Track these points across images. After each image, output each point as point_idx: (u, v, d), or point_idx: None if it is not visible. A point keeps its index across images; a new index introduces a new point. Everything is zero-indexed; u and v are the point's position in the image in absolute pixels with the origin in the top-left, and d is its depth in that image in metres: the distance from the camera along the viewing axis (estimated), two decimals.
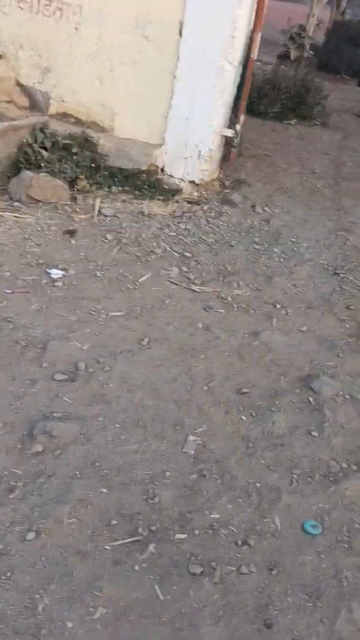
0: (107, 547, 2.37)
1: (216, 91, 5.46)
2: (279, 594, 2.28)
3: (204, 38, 5.25)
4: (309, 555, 2.46)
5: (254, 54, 5.76)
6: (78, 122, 5.99)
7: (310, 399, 3.37)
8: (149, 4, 5.33)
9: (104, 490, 2.61)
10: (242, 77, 5.83)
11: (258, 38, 5.69)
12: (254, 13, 5.62)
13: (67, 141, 5.65)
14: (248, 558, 2.41)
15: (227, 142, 6.11)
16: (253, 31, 5.64)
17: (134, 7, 5.38)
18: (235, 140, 6.04)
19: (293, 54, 9.27)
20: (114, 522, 2.47)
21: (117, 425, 2.97)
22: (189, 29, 5.29)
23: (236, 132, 5.92)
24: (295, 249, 5.20)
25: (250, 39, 5.66)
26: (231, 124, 5.90)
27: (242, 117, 6.01)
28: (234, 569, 2.36)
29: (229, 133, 5.85)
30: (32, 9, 5.65)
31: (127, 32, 5.51)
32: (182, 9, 5.25)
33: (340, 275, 4.85)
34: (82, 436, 2.87)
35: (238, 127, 5.93)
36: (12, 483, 2.56)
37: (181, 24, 5.30)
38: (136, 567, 2.31)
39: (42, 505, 2.49)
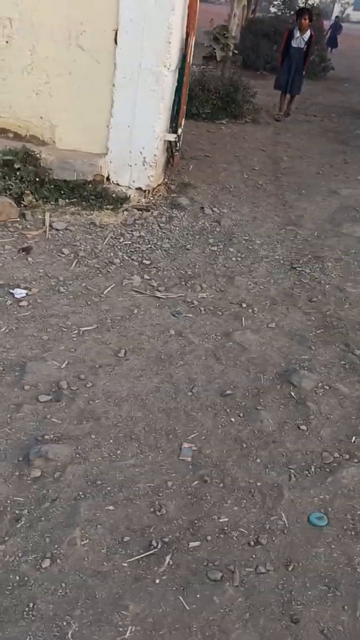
0: (125, 564, 2.36)
1: (156, 97, 5.48)
2: (299, 589, 2.34)
3: (140, 45, 5.27)
4: (320, 546, 2.53)
5: (190, 58, 5.82)
6: (17, 136, 5.90)
7: (292, 394, 3.45)
8: (82, 15, 5.31)
9: (110, 507, 2.60)
10: (180, 81, 5.88)
11: (192, 42, 5.75)
12: (186, 18, 5.67)
13: (9, 157, 5.55)
14: (263, 557, 2.45)
15: (170, 146, 6.15)
16: (187, 36, 5.69)
17: (66, 18, 5.34)
18: (178, 144, 6.08)
19: (219, 55, 9.40)
20: (126, 538, 2.47)
21: (111, 441, 2.96)
22: (124, 37, 5.29)
23: (178, 136, 5.97)
24: (250, 247, 5.29)
25: (185, 44, 5.71)
26: (172, 128, 5.95)
27: (183, 121, 6.06)
28: (251, 569, 2.39)
29: (172, 138, 5.89)
30: None
31: (61, 44, 5.46)
32: (115, 17, 5.25)
33: (297, 269, 4.98)
34: (78, 456, 2.84)
35: (180, 131, 5.98)
36: (17, 512, 2.52)
37: (116, 32, 5.29)
38: (157, 581, 2.31)
39: (52, 530, 2.46)
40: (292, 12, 17.71)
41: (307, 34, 9.99)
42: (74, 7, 5.29)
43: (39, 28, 5.43)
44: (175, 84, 5.85)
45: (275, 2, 20.65)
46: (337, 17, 29.86)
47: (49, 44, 5.48)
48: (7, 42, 5.56)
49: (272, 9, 22.50)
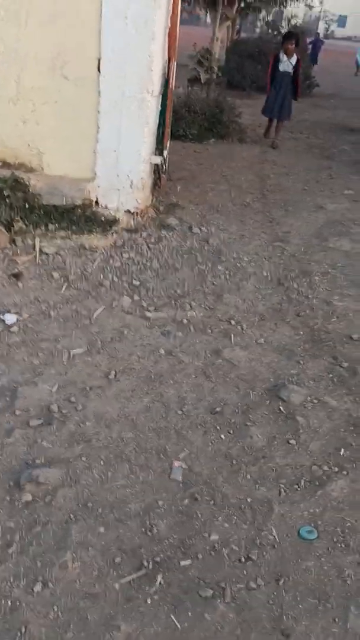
0: (116, 585, 2.38)
1: (140, 122, 5.57)
2: (290, 603, 2.35)
3: (123, 73, 5.36)
4: (310, 560, 2.54)
5: (172, 82, 5.93)
6: (6, 165, 5.97)
7: (281, 408, 3.48)
8: (65, 45, 5.41)
9: (102, 529, 2.62)
10: (163, 105, 5.98)
11: (174, 67, 5.86)
12: (167, 44, 5.79)
13: None
14: (254, 573, 2.47)
15: (156, 168, 6.24)
16: (169, 61, 5.80)
17: (49, 48, 5.44)
18: (164, 166, 6.17)
19: (203, 77, 9.56)
20: (117, 559, 2.49)
21: (102, 462, 2.98)
22: (107, 66, 5.38)
23: (164, 159, 6.06)
24: (238, 264, 5.35)
25: (167, 68, 5.82)
26: (158, 150, 6.04)
27: (168, 143, 6.15)
28: (242, 585, 2.41)
29: (158, 160, 5.97)
30: None
31: (45, 73, 5.56)
32: (97, 47, 5.35)
33: (285, 284, 5.03)
34: (69, 479, 2.86)
35: (165, 153, 6.07)
36: (8, 537, 2.54)
37: (99, 61, 5.40)
38: (148, 601, 2.33)
39: (43, 554, 2.47)
40: (275, 33, 18.01)
41: (294, 58, 9.70)
42: (57, 38, 5.39)
43: (24, 58, 5.53)
44: (159, 108, 5.95)
45: (259, 23, 20.98)
46: (317, 33, 30.35)
47: (34, 74, 5.58)
48: None
49: (257, 30, 22.88)
